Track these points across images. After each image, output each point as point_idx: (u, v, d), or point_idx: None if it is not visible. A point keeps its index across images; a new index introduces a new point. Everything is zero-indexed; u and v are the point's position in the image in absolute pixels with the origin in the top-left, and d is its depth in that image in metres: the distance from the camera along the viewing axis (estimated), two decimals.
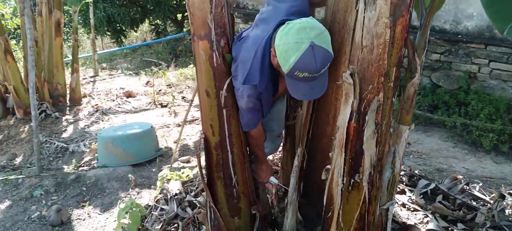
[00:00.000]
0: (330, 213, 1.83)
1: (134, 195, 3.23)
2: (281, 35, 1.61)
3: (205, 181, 2.19)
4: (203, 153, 2.13)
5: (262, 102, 1.91)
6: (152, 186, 3.36)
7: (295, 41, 1.55)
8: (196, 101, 6.07)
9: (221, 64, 1.95)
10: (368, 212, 1.75)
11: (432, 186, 2.93)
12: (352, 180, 1.67)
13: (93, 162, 3.90)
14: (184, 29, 11.34)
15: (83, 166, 3.85)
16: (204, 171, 2.22)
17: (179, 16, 11.37)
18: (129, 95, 6.32)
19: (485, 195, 2.80)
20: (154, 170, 3.72)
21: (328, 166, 1.80)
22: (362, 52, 1.48)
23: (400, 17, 1.36)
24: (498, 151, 3.95)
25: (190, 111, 5.59)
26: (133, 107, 5.80)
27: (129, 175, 3.38)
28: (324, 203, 1.87)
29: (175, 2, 10.53)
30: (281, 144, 2.77)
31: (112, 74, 7.96)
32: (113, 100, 6.09)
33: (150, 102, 5.95)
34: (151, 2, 9.60)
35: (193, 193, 2.88)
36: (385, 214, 1.98)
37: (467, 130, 4.27)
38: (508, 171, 3.59)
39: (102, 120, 5.23)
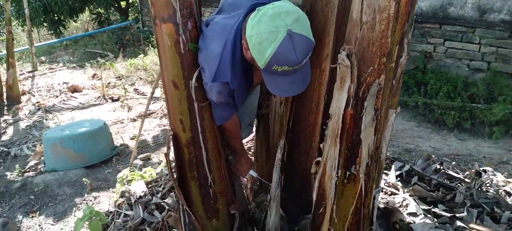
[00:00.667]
0: (321, 209, 1.67)
1: (91, 200, 2.89)
2: (253, 25, 1.40)
3: (177, 183, 1.95)
4: (172, 151, 1.88)
5: (235, 98, 1.68)
6: (110, 189, 3.04)
7: (269, 30, 1.35)
8: (157, 93, 5.68)
9: (189, 51, 1.70)
10: (364, 205, 1.61)
11: (407, 167, 2.89)
12: (348, 173, 1.51)
13: (39, 166, 3.48)
14: (130, 17, 10.71)
15: (29, 171, 3.42)
16: (174, 171, 1.98)
17: (123, 3, 10.70)
18: (74, 90, 5.79)
19: (458, 173, 2.80)
20: (110, 171, 3.38)
21: (319, 159, 1.63)
22: (361, 30, 1.30)
23: None
24: (461, 128, 4.04)
25: (145, 105, 5.23)
26: (80, 103, 5.32)
27: (84, 179, 3.03)
28: (314, 199, 1.71)
29: None
30: (253, 134, 2.59)
31: (53, 68, 7.28)
32: (57, 97, 5.54)
33: (99, 97, 5.49)
34: None
35: (159, 195, 2.62)
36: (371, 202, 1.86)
37: (429, 108, 4.33)
38: (472, 147, 3.66)
39: (46, 119, 4.72)
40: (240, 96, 1.71)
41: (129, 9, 10.95)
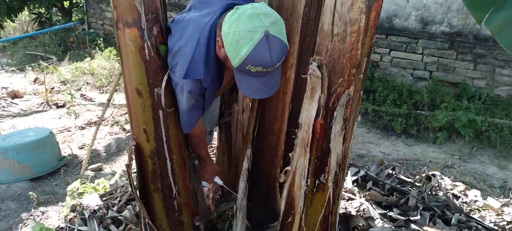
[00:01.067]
0: (290, 218, 1.68)
1: (38, 216, 2.69)
2: (231, 22, 1.39)
3: (138, 196, 1.86)
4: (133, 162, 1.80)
5: (206, 98, 1.65)
6: (59, 203, 2.85)
7: (247, 29, 1.35)
8: (103, 99, 5.42)
9: (154, 57, 1.64)
10: (331, 212, 1.64)
11: (362, 173, 2.99)
12: (317, 181, 1.54)
13: None
14: (73, 18, 10.15)
15: None
16: (135, 184, 1.89)
17: (66, 3, 10.13)
18: (14, 95, 5.38)
19: (409, 177, 2.95)
20: (58, 183, 3.17)
21: (288, 168, 1.64)
22: (332, 41, 1.33)
23: (375, 2, 1.24)
24: (408, 134, 4.27)
25: (94, 111, 4.98)
26: (22, 109, 4.95)
27: (30, 192, 2.81)
28: (283, 208, 1.72)
29: None
30: (214, 143, 2.56)
31: None
32: None
33: (42, 103, 5.14)
34: None
35: (115, 208, 2.49)
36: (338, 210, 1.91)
37: (378, 115, 4.53)
38: (419, 152, 3.88)
39: None
40: (210, 96, 1.68)
41: (73, 10, 10.39)
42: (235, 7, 1.44)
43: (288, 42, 1.82)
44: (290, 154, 1.62)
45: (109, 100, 2.93)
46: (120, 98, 5.22)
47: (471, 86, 4.90)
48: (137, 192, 1.87)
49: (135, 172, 3.18)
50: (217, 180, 2.12)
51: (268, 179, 2.14)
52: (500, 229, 2.25)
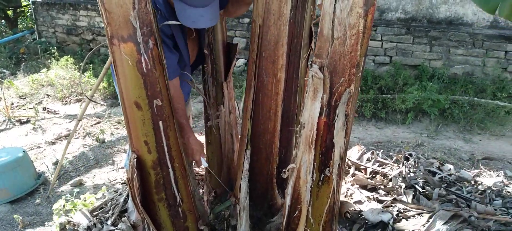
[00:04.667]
0: (297, 212, 1.77)
1: None
2: None
3: (141, 207, 1.87)
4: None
5: (178, 44, 1.92)
6: (46, 223, 2.77)
7: None
8: (68, 110, 5.22)
9: (152, 69, 1.66)
10: (336, 202, 1.74)
11: None
12: (322, 175, 1.63)
13: None
14: (19, 26, 9.60)
15: None
16: (137, 196, 1.90)
17: (9, 13, 9.54)
18: None
19: (387, 159, 3.14)
20: (40, 202, 3.06)
21: (292, 165, 1.72)
22: (333, 45, 1.42)
23: (371, 6, 1.34)
24: (378, 118, 4.49)
25: (61, 124, 4.80)
26: None
27: (15, 215, 2.71)
28: (288, 203, 1.80)
29: None
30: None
31: None
32: None
33: (4, 121, 4.88)
34: None
35: (109, 221, 2.47)
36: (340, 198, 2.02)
37: None
38: (390, 134, 4.11)
39: None
40: (180, 40, 1.91)
41: (18, 19, 9.81)
42: None
43: (276, 45, 1.91)
44: (294, 152, 1.70)
45: (84, 110, 2.87)
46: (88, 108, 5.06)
47: (429, 67, 5.22)
48: (140, 203, 1.88)
49: (122, 183, 3.14)
50: (204, 162, 2.08)
51: (265, 177, 2.22)
52: (477, 198, 2.47)
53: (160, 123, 1.74)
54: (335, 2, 1.36)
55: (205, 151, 2.65)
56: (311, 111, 1.55)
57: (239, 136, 2.41)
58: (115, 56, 1.64)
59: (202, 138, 2.61)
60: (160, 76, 1.70)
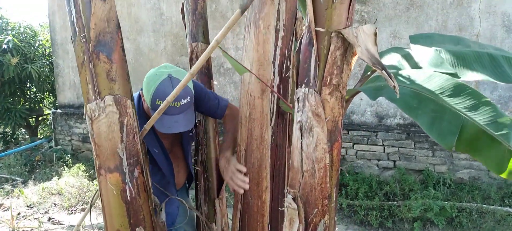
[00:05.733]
0: None
1: None
2: (146, 76, 1.85)
3: None
4: None
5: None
6: None
7: (155, 74, 1.81)
8: (72, 220, 5.25)
9: (135, 197, 1.72)
10: None
11: None
12: None
13: None
14: (39, 135, 10.09)
15: None
16: None
17: (31, 121, 10.11)
18: None
19: None
20: None
21: None
22: (303, 177, 1.47)
23: (336, 141, 1.41)
24: (385, 227, 4.36)
25: None
26: None
27: None
28: None
29: (28, 105, 9.42)
30: None
31: None
32: None
33: None
34: None
35: None
36: None
37: (353, 210, 4.63)
38: None
39: None
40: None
41: (38, 127, 10.35)
42: None
43: (260, 168, 1.97)
44: None
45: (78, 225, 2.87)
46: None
47: (434, 172, 5.17)
48: None
49: None
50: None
51: None
52: None
53: None
54: (301, 138, 1.44)
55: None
56: None
57: None
58: (101, 186, 1.72)
59: None
60: (144, 204, 1.75)
